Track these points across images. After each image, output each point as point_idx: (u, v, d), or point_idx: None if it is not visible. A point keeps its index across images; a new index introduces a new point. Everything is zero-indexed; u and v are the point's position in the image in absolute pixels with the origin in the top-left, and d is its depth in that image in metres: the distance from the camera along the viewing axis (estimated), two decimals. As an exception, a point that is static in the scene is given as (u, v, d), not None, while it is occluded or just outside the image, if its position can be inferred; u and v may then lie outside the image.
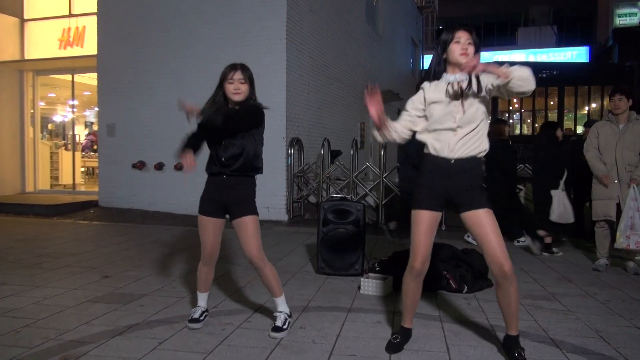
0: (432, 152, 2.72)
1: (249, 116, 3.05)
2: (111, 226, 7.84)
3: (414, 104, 2.83)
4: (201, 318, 3.26)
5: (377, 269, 4.42)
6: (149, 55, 9.10)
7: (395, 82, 16.65)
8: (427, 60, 25.34)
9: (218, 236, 3.20)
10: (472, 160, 2.67)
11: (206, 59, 8.70)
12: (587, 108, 24.20)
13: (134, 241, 6.47)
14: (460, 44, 2.65)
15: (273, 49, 8.34)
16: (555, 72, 24.06)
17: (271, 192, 7.99)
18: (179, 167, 2.82)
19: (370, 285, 4.09)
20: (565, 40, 32.16)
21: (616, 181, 4.85)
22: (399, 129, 2.83)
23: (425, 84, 2.79)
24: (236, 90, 3.06)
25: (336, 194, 7.94)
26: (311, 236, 6.59)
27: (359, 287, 4.20)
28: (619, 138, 4.88)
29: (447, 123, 2.66)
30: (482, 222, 2.61)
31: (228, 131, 3.01)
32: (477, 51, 2.65)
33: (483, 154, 2.70)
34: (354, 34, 12.25)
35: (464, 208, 2.67)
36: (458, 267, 4.29)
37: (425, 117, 2.77)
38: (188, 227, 7.68)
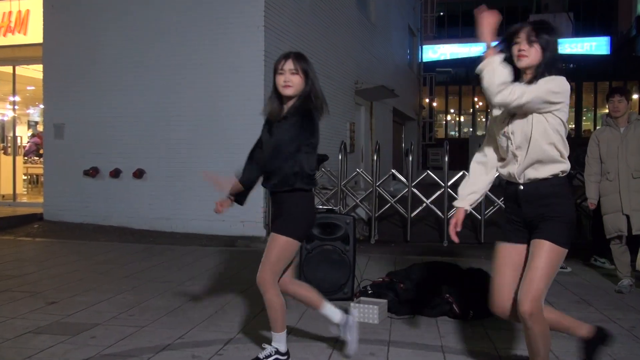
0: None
1: (288, 144, 2.97)
2: (58, 243, 7.75)
3: None
4: None
5: (370, 292, 4.42)
6: (105, 45, 9.05)
7: (390, 77, 16.78)
8: (425, 51, 25.62)
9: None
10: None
11: (172, 49, 8.67)
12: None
13: (86, 261, 6.40)
14: (519, 45, 2.60)
15: (250, 38, 8.35)
16: (571, 66, 24.45)
17: (247, 203, 7.96)
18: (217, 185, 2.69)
19: (361, 311, 4.09)
20: (582, 29, 32.71)
21: (619, 191, 4.95)
22: None
23: None
24: (286, 82, 3.02)
25: (322, 205, 7.97)
26: (293, 254, 6.58)
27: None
28: (620, 143, 4.99)
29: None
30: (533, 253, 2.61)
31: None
32: (546, 47, 2.57)
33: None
34: (342, 22, 12.33)
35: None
36: (462, 289, 4.31)
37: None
38: (150, 245, 7.62)
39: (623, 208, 4.93)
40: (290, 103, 3.07)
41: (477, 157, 2.86)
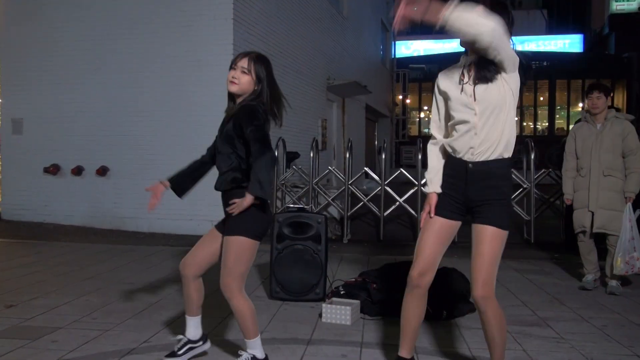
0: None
1: (261, 138, 2.92)
2: (16, 244, 7.61)
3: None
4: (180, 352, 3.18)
5: (342, 292, 4.44)
6: (65, 36, 8.91)
7: (363, 73, 16.86)
8: (399, 47, 25.79)
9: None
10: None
11: (136, 42, 8.58)
12: (581, 104, 25.10)
13: (46, 262, 6.30)
14: None
15: (217, 31, 8.31)
16: (545, 64, 24.91)
17: (214, 202, 7.92)
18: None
19: (333, 312, 4.11)
20: (556, 26, 33.36)
21: (588, 188, 5.07)
22: None
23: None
24: (233, 78, 3.00)
25: (293, 204, 7.97)
26: (263, 254, 6.55)
27: (320, 315, 4.20)
28: (595, 139, 5.10)
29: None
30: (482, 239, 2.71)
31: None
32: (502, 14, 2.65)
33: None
34: (313, 15, 12.35)
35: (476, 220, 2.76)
36: (435, 289, 4.35)
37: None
38: (113, 245, 7.53)
39: (589, 204, 5.05)
40: (239, 101, 3.07)
41: (431, 141, 2.95)
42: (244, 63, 3.00)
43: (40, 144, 9.05)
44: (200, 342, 3.26)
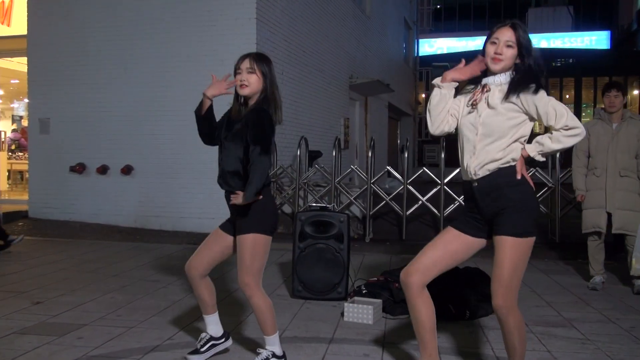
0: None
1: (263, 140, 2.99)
2: (44, 242, 7.73)
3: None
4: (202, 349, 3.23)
5: (364, 291, 4.43)
6: (91, 37, 9.01)
7: (386, 71, 16.80)
8: (422, 45, 25.64)
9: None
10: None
11: (160, 42, 8.65)
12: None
13: (72, 260, 6.39)
14: (497, 45, 2.64)
15: (240, 30, 8.33)
16: (571, 61, 24.56)
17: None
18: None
19: (355, 311, 4.10)
20: (582, 23, 32.84)
21: (605, 188, 5.00)
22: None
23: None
24: (242, 81, 3.05)
25: (315, 202, 7.96)
26: (285, 253, 6.59)
27: (342, 314, 4.20)
28: (611, 139, 5.03)
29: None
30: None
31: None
32: (522, 52, 2.63)
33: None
34: (337, 14, 12.33)
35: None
36: (459, 288, 4.33)
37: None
38: (138, 243, 7.61)
39: (607, 205, 4.99)
40: (251, 103, 3.10)
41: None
42: (247, 64, 3.07)
43: (66, 143, 9.16)
44: (223, 340, 3.29)
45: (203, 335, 3.28)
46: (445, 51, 32.37)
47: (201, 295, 3.23)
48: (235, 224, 3.07)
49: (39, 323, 3.96)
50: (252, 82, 3.04)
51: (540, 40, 28.99)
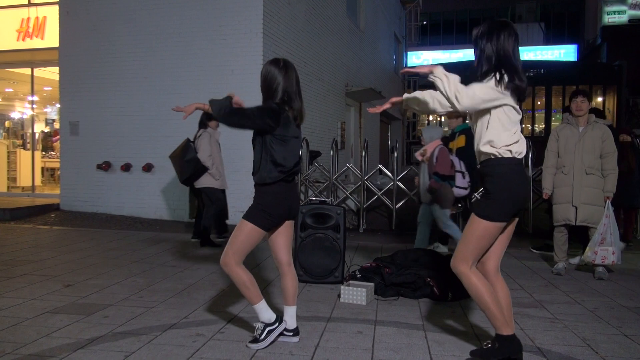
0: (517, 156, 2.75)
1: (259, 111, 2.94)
2: (74, 231, 7.72)
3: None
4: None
5: (359, 276, 4.43)
6: (115, 49, 9.00)
7: (378, 80, 16.76)
8: (410, 57, 25.59)
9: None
10: None
11: (177, 53, 8.64)
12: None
13: (99, 247, 6.39)
14: None
15: (248, 43, 8.33)
16: (542, 71, 24.50)
17: (246, 195, 7.96)
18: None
19: (350, 293, 4.11)
20: (553, 38, 32.78)
21: (572, 185, 5.01)
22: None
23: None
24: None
25: (315, 197, 7.97)
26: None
27: (338, 296, 4.21)
28: (578, 140, 5.03)
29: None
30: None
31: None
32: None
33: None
34: (334, 29, 12.30)
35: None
36: (442, 273, 4.33)
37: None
38: (157, 233, 7.61)
39: (573, 200, 5.00)
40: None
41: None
42: None
43: (93, 143, 9.16)
44: (277, 324, 3.15)
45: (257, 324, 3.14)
46: (430, 62, 32.30)
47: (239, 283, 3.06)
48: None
49: (69, 303, 3.97)
50: None
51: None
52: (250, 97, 8.07)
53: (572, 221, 5.04)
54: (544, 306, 4.10)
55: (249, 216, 3.05)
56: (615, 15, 27.01)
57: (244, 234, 3.02)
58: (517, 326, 3.57)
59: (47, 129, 13.91)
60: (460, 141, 6.01)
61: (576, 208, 5.01)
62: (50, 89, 11.93)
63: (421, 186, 5.75)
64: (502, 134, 2.67)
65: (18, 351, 2.97)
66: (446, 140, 6.14)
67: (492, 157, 2.70)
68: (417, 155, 5.69)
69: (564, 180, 5.08)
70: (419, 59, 32.80)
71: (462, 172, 5.59)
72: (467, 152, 6.04)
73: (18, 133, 13.29)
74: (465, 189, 5.59)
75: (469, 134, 6.13)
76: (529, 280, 4.95)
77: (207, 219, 6.41)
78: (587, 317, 3.84)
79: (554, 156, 5.20)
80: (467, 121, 6.11)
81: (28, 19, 10.39)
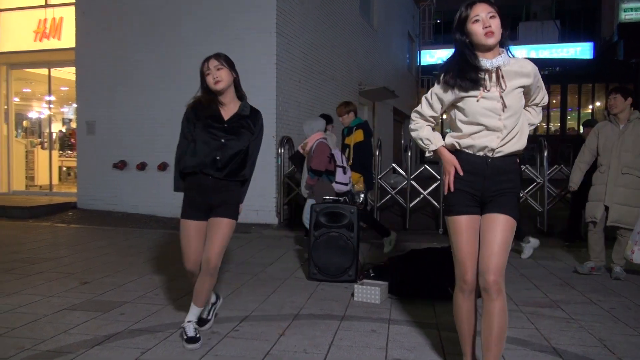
0: (469, 150, 2.51)
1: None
2: (90, 229, 7.80)
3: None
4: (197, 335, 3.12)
5: (372, 275, 4.43)
6: (131, 49, 9.06)
7: (391, 79, 16.70)
8: (423, 55, 25.47)
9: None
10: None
11: (191, 52, 8.66)
12: (590, 107, 24.39)
13: (115, 245, 6.44)
14: (481, 21, 2.37)
15: (262, 43, 8.33)
16: (557, 69, 24.27)
17: (260, 193, 7.97)
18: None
19: (364, 292, 4.10)
20: (568, 35, 32.40)
21: (606, 183, 4.90)
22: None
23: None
24: (215, 78, 3.03)
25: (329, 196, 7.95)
26: (301, 241, 6.60)
27: (352, 294, 4.20)
28: (617, 139, 4.91)
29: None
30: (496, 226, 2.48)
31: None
32: (503, 22, 2.38)
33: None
34: (347, 28, 12.28)
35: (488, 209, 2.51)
36: (443, 267, 4.29)
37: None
38: (173, 231, 7.65)
39: (606, 199, 4.90)
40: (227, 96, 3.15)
41: (424, 123, 2.64)
42: (213, 63, 3.07)
43: (110, 143, 9.23)
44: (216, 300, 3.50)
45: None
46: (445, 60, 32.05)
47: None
48: (216, 207, 3.15)
49: (86, 300, 4.01)
50: (224, 76, 3.08)
51: (530, 51, 28.66)
52: (264, 96, 8.16)
53: (597, 219, 4.93)
54: (559, 306, 4.06)
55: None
56: (632, 12, 26.62)
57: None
58: (532, 326, 3.55)
59: (63, 129, 14.08)
60: (358, 136, 5.96)
61: (607, 208, 4.89)
62: (67, 89, 12.05)
63: (301, 180, 5.74)
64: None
65: (36, 347, 3.01)
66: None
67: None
68: (299, 149, 5.67)
69: (599, 179, 4.98)
70: (432, 57, 32.64)
71: (344, 167, 5.49)
72: (365, 147, 6.01)
73: (35, 132, 13.44)
74: (346, 184, 5.51)
75: (366, 128, 6.09)
76: (544, 280, 4.90)
77: None
78: (604, 317, 3.79)
79: (589, 153, 5.10)
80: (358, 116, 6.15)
81: (45, 19, 10.50)
